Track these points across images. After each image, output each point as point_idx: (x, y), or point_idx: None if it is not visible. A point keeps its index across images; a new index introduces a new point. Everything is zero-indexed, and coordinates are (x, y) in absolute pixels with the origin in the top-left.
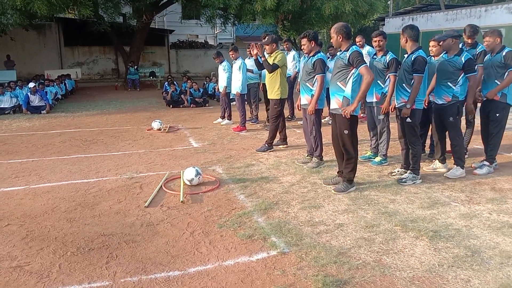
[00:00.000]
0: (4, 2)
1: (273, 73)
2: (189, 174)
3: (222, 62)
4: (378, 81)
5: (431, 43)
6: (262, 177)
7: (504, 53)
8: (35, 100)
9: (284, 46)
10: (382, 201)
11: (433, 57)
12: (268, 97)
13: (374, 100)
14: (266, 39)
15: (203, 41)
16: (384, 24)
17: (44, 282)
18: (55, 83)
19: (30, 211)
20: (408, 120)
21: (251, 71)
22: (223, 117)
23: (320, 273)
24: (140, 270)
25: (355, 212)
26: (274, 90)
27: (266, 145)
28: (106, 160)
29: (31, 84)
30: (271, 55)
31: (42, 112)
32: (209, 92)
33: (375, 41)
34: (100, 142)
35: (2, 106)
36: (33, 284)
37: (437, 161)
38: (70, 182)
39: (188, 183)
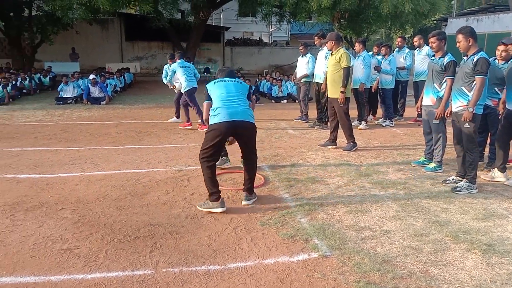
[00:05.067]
0: None
1: (336, 71)
2: None
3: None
4: (435, 84)
5: (500, 47)
6: (308, 177)
7: None
8: (95, 92)
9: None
10: (434, 209)
11: (497, 60)
12: (330, 96)
13: (430, 103)
14: (328, 36)
15: (258, 39)
16: (446, 25)
17: (90, 266)
18: (115, 76)
19: (83, 197)
20: (467, 125)
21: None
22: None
23: (362, 280)
24: (182, 261)
25: (403, 219)
26: (339, 89)
27: (351, 143)
28: (158, 152)
29: (91, 76)
30: (333, 53)
31: (101, 103)
32: (260, 90)
33: (430, 42)
34: (154, 134)
35: (65, 96)
36: (81, 267)
37: (496, 169)
38: (122, 171)
39: None
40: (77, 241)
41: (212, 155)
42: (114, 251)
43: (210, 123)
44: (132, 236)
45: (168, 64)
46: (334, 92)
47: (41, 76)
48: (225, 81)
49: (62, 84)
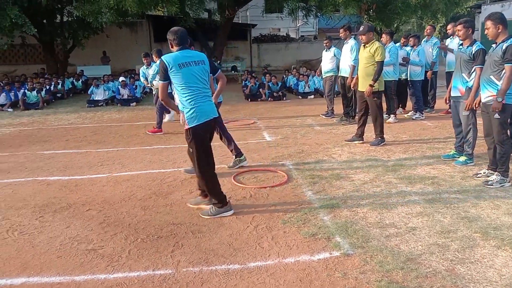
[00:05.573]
0: (100, 2)
1: (370, 64)
2: None
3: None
4: (463, 74)
5: None
6: (332, 174)
7: None
8: (125, 94)
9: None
10: (463, 205)
11: None
12: (362, 89)
13: (459, 94)
14: (361, 28)
15: (285, 34)
16: (480, 12)
17: (113, 266)
18: None
19: (110, 198)
20: (497, 116)
21: None
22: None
23: (384, 279)
24: (202, 260)
25: (430, 216)
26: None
27: (379, 138)
28: (184, 152)
29: (121, 78)
30: (367, 45)
31: (131, 104)
32: (287, 85)
33: (456, 30)
34: (180, 134)
35: (96, 99)
36: (104, 267)
37: None
38: (148, 171)
39: None
40: (102, 241)
41: (210, 162)
42: (136, 251)
43: (190, 125)
44: (155, 235)
45: (145, 66)
46: (366, 85)
47: (74, 80)
48: (189, 64)
49: (92, 87)
